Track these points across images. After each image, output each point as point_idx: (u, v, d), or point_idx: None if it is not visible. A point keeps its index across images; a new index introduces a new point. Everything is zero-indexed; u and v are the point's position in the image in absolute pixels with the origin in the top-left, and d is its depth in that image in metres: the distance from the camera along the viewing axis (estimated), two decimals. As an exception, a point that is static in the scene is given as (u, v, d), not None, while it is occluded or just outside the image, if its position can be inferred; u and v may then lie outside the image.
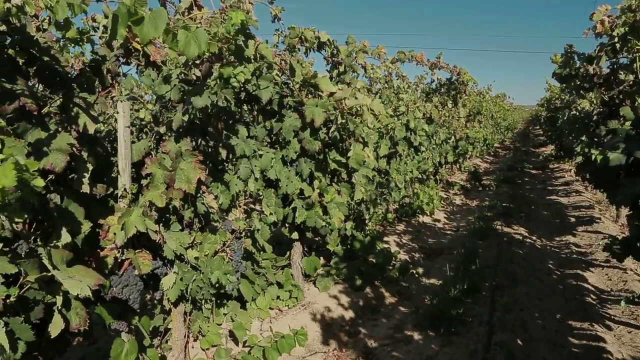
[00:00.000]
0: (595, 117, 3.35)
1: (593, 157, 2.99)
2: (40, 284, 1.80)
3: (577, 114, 4.84)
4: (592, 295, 4.84)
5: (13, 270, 1.62)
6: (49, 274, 1.74)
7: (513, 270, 5.53)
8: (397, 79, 7.58)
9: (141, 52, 2.81)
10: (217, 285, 2.97)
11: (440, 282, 5.17)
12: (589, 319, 4.28)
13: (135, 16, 1.80)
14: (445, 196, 9.72)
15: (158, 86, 2.94)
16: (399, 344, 3.84)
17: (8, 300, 1.70)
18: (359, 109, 3.43)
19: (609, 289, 5.01)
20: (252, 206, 4.73)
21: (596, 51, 3.28)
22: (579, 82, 3.32)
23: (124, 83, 2.86)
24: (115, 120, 3.35)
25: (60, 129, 1.92)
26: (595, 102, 3.83)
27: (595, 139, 3.50)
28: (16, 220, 1.51)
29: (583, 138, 4.81)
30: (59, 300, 1.92)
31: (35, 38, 1.73)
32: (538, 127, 35.93)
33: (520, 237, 7.05)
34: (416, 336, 3.95)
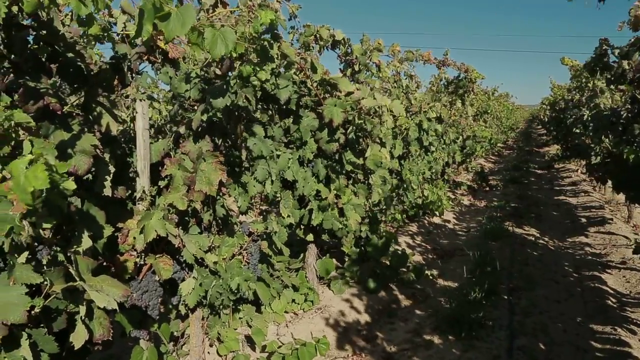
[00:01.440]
0: (624, 115, 3.26)
1: (625, 156, 2.89)
2: (64, 293, 1.71)
3: (601, 111, 4.76)
4: (611, 298, 4.75)
5: (38, 280, 1.53)
6: (75, 283, 1.64)
7: (529, 272, 5.45)
8: (406, 78, 7.49)
9: (158, 49, 2.71)
10: (236, 291, 2.88)
11: (456, 284, 5.08)
12: (611, 322, 4.19)
13: (161, 12, 1.70)
14: (453, 196, 9.64)
15: (177, 84, 2.84)
16: (419, 349, 3.75)
17: (32, 312, 1.60)
18: (377, 109, 3.33)
19: (628, 292, 4.92)
20: (262, 208, 4.63)
21: (628, 46, 3.19)
22: (610, 77, 3.22)
23: (140, 81, 2.77)
24: (131, 119, 3.25)
25: (83, 129, 1.82)
26: (621, 99, 3.72)
27: (624, 137, 3.39)
28: (44, 226, 1.42)
29: (602, 137, 4.73)
30: (83, 310, 1.82)
31: (61, 33, 1.63)
32: (539, 127, 35.84)
33: (533, 238, 6.97)
34: (436, 340, 3.86)
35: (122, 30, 2.65)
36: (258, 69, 2.54)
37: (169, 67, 2.94)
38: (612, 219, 7.68)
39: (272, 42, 2.42)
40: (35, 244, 1.88)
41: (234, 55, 2.09)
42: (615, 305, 4.59)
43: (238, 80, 2.71)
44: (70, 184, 1.35)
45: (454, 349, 3.72)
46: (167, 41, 1.80)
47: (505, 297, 4.74)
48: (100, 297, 1.62)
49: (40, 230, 1.49)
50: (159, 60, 2.83)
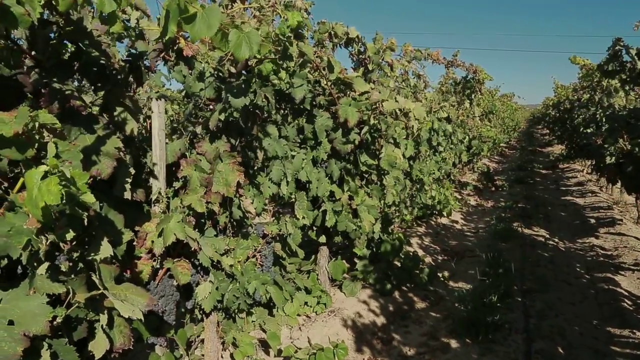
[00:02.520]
0: (646, 116, 3.19)
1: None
2: (86, 302, 1.63)
3: (616, 111, 4.69)
4: (627, 301, 4.68)
5: (61, 290, 1.45)
6: (98, 292, 1.57)
7: (541, 274, 5.37)
8: (414, 78, 7.41)
9: (173, 47, 2.64)
10: (253, 295, 2.81)
11: (469, 286, 5.01)
12: (629, 325, 4.12)
13: (185, 13, 1.63)
14: (459, 197, 9.56)
15: (192, 83, 2.77)
16: (436, 352, 3.68)
17: (54, 322, 1.52)
18: (398, 112, 3.26)
19: (644, 294, 4.86)
20: (273, 209, 4.56)
21: (645, 46, 3.13)
22: (625, 77, 3.16)
23: (154, 80, 2.69)
24: (143, 118, 3.18)
25: (107, 131, 1.74)
26: (635, 99, 3.65)
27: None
28: (64, 238, 1.34)
29: (617, 138, 4.66)
30: (104, 318, 1.75)
31: (89, 30, 1.55)
32: (540, 127, 35.74)
33: (543, 239, 6.90)
34: (453, 344, 3.79)
35: (135, 27, 2.57)
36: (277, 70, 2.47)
37: (182, 66, 2.86)
38: (621, 220, 7.60)
39: (293, 41, 2.35)
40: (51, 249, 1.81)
41: (258, 56, 2.02)
42: (631, 308, 4.52)
43: (257, 80, 2.63)
44: (89, 197, 1.26)
45: (471, 352, 3.65)
46: (193, 41, 1.73)
47: (520, 299, 4.67)
48: (124, 307, 1.55)
49: (62, 244, 1.41)
50: (173, 59, 2.76)
